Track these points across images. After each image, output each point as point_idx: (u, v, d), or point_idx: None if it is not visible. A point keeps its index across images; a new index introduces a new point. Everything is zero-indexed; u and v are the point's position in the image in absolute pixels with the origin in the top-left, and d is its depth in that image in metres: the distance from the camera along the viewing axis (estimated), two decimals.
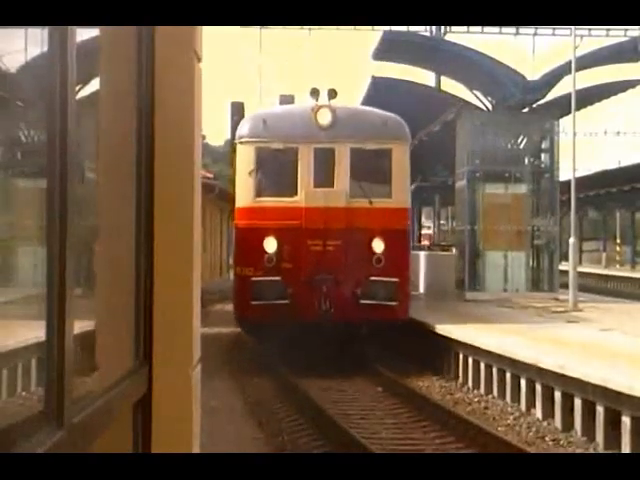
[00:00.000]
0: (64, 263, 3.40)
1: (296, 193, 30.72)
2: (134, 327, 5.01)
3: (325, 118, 30.53)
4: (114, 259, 4.89)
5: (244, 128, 32.18)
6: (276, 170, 31.19)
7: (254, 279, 29.81)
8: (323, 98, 31.57)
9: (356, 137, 30.71)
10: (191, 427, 5.36)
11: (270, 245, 30.15)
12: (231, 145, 43.85)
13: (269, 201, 30.77)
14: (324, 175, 30.44)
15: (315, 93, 31.53)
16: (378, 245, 30.33)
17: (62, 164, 3.46)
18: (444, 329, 32.38)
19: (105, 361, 4.61)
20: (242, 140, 31.67)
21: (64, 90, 3.47)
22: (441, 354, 32.78)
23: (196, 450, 5.41)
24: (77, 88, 3.67)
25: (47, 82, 3.43)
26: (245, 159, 31.15)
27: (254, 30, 61.56)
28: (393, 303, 30.23)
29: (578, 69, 45.16)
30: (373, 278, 30.03)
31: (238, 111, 42.38)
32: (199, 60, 5.65)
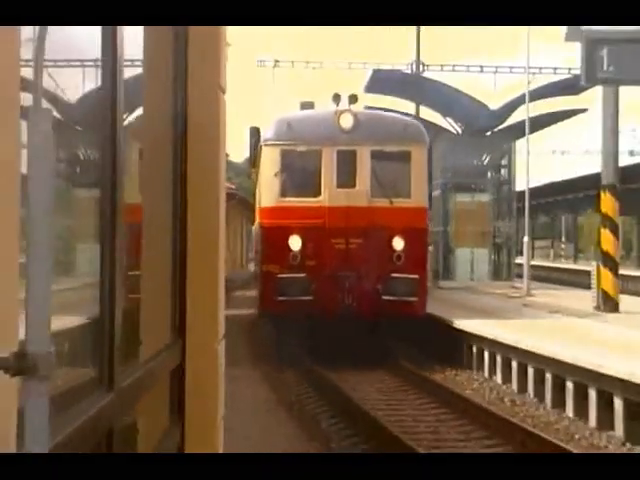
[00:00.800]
0: (114, 257, 3.40)
1: (320, 193, 26.68)
2: (170, 309, 5.00)
3: (347, 121, 26.71)
4: (155, 254, 4.87)
5: (270, 131, 28.16)
6: (300, 171, 27.05)
7: (280, 276, 25.90)
8: (344, 103, 27.90)
9: (376, 140, 26.75)
10: (217, 391, 5.34)
11: (295, 243, 26.25)
12: (252, 155, 43.09)
13: (293, 201, 26.65)
14: (346, 176, 26.54)
15: (337, 98, 27.85)
16: (398, 243, 26.43)
17: (112, 178, 3.45)
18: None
19: (147, 336, 4.59)
20: (268, 142, 27.64)
21: (114, 118, 3.47)
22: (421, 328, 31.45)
23: (221, 411, 5.40)
24: (124, 116, 3.66)
25: (101, 112, 3.43)
26: (270, 161, 27.26)
27: (269, 64, 59.65)
28: (414, 299, 26.47)
29: (531, 100, 46.37)
30: (395, 275, 26.24)
31: (255, 134, 41.34)
32: (223, 92, 5.63)
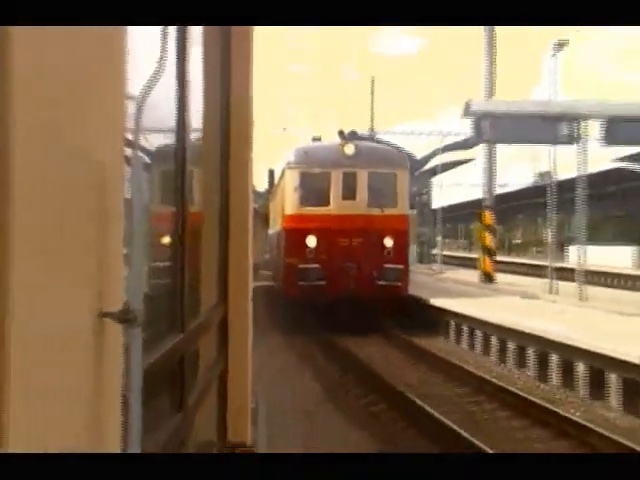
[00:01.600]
0: (184, 247, 3.36)
1: (329, 204, 24.96)
2: (218, 282, 4.98)
3: (350, 150, 25.12)
4: (209, 245, 4.84)
5: (291, 157, 26.24)
6: (314, 187, 24.96)
7: (300, 266, 24.06)
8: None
9: (372, 164, 25.12)
10: (247, 334, 5.34)
11: (311, 241, 24.47)
12: (269, 186, 43.74)
13: (309, 210, 24.77)
14: (349, 191, 24.87)
15: (341, 133, 26.36)
16: (388, 241, 24.67)
17: (181, 193, 3.39)
18: None
19: (205, 299, 4.59)
20: (290, 166, 25.79)
21: (182, 154, 3.41)
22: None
23: (250, 346, 5.39)
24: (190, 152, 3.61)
25: (173, 153, 3.36)
26: (292, 180, 25.26)
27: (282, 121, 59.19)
28: (399, 283, 24.65)
29: (442, 152, 47.38)
30: (386, 265, 24.43)
31: (271, 174, 43.10)
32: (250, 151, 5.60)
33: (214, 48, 4.77)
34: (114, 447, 1.73)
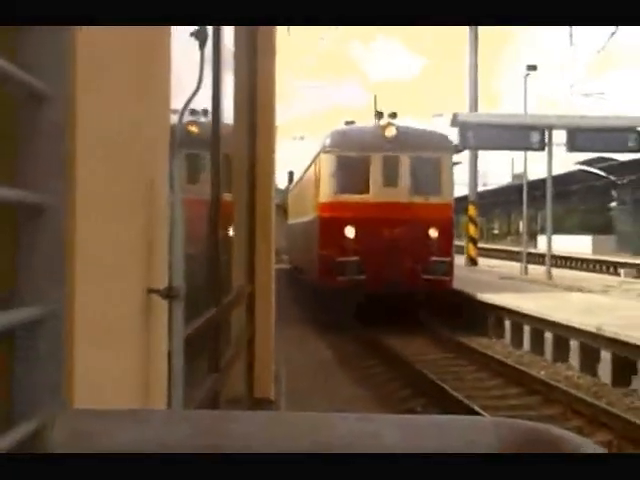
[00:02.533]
0: (218, 237, 3.34)
1: (368, 191, 19.03)
2: (247, 264, 4.97)
3: (391, 133, 19.14)
4: (239, 232, 4.83)
5: (327, 140, 19.94)
6: (353, 173, 19.09)
7: (339, 259, 18.26)
8: (385, 119, 20.31)
9: (415, 148, 19.15)
10: (271, 307, 5.33)
11: (350, 232, 18.66)
12: (288, 184, 41.23)
13: (348, 197, 18.95)
14: (390, 177, 19.05)
15: (379, 115, 20.39)
16: (433, 232, 18.87)
17: (217, 194, 3.37)
18: None
19: (236, 278, 4.58)
20: (326, 150, 19.58)
21: (216, 154, 3.38)
22: None
23: (273, 317, 5.38)
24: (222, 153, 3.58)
25: (209, 148, 3.33)
26: (328, 164, 19.28)
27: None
28: (448, 278, 19.07)
29: None
30: (433, 258, 18.65)
31: (290, 174, 40.42)
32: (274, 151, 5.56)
33: (243, 49, 4.64)
34: (161, 401, 1.73)
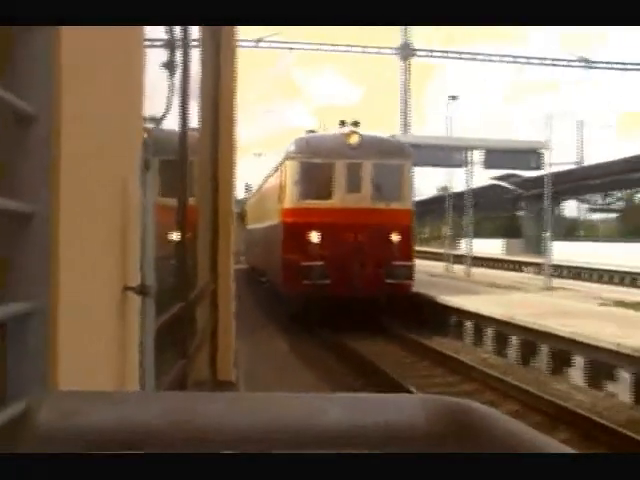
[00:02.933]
0: (185, 240, 3.29)
1: (332, 197, 16.95)
2: (210, 263, 4.90)
3: (354, 140, 17.13)
4: (203, 234, 4.76)
5: (292, 147, 17.78)
6: (316, 179, 17.07)
7: (304, 264, 16.11)
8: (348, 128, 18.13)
9: (377, 155, 17.11)
10: (231, 302, 5.28)
11: (314, 237, 16.55)
12: (245, 196, 41.06)
13: (312, 203, 16.83)
14: (353, 183, 17.01)
15: (343, 123, 18.26)
16: (395, 237, 16.79)
17: (183, 194, 3.32)
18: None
19: (201, 275, 4.51)
20: (290, 156, 17.51)
21: (184, 163, 3.34)
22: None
23: (233, 311, 5.34)
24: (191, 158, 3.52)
25: (178, 155, 3.29)
26: (293, 171, 17.14)
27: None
28: (409, 282, 16.98)
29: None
30: (396, 263, 16.51)
31: (247, 186, 38.77)
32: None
33: (208, 51, 4.49)
34: (134, 385, 1.70)
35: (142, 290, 1.69)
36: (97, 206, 1.40)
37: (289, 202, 17.36)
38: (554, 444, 0.73)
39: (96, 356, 1.39)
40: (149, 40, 2.15)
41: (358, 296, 16.01)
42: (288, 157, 17.68)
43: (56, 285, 1.08)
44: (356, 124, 17.78)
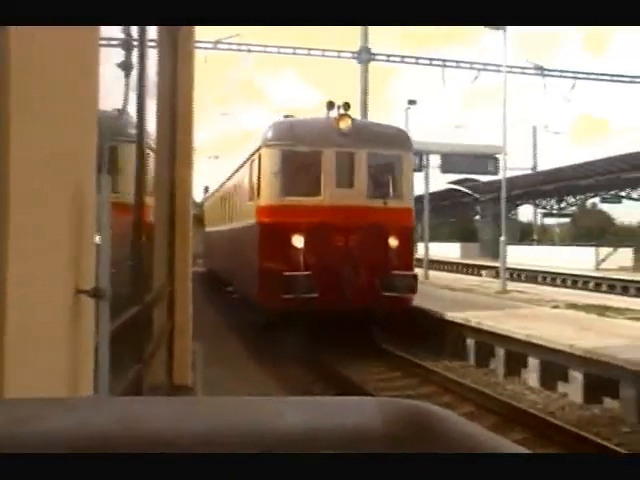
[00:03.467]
0: (140, 237, 3.25)
1: (319, 193, 13.62)
2: (167, 265, 4.85)
3: (346, 125, 13.72)
4: (161, 237, 4.71)
5: (270, 132, 14.01)
6: (301, 171, 13.71)
7: (287, 274, 12.71)
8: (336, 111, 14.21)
9: (372, 143, 13.92)
10: (188, 304, 5.23)
11: (298, 241, 13.19)
12: (204, 196, 39.37)
13: (295, 200, 13.45)
14: (345, 177, 13.80)
15: (331, 105, 14.32)
16: (393, 241, 13.64)
17: (141, 189, 3.28)
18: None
19: (157, 278, 4.46)
20: (269, 143, 13.77)
21: (141, 168, 3.29)
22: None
23: (191, 313, 5.28)
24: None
25: (135, 153, 3.24)
26: (271, 161, 13.61)
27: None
28: (411, 295, 13.62)
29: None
30: (394, 272, 13.31)
31: (205, 188, 36.62)
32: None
33: (166, 52, 4.44)
34: (88, 390, 1.67)
35: (96, 293, 1.65)
36: (49, 207, 1.36)
37: (267, 199, 13.76)
38: (510, 446, 0.74)
39: (46, 362, 1.35)
40: (105, 39, 2.11)
41: (349, 311, 12.97)
42: (266, 144, 13.86)
43: (3, 290, 1.05)
44: (347, 106, 14.20)
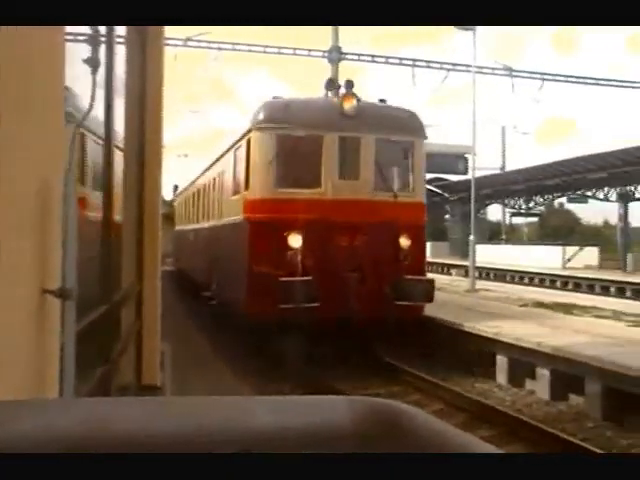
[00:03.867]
0: (110, 237, 3.21)
1: (319, 184, 11.34)
2: (136, 264, 4.81)
3: (351, 106, 11.43)
4: (129, 237, 4.66)
5: (263, 114, 11.52)
6: (298, 159, 11.23)
7: (283, 280, 10.29)
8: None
9: (380, 128, 11.67)
10: (157, 303, 5.20)
11: (295, 241, 10.88)
12: (173, 197, 37.64)
13: (291, 192, 11.05)
14: (349, 166, 11.57)
15: (331, 84, 12.28)
16: (404, 241, 11.57)
17: (109, 187, 3.24)
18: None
19: (125, 277, 4.42)
20: (260, 126, 11.33)
21: (108, 166, 3.26)
22: None
23: (159, 312, 5.24)
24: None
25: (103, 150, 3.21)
26: (263, 146, 11.20)
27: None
28: (424, 303, 11.65)
29: None
30: (407, 277, 11.18)
31: (175, 187, 34.96)
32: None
33: (134, 49, 4.40)
34: (54, 391, 1.65)
35: (62, 293, 1.63)
36: (14, 206, 1.34)
37: (258, 191, 11.50)
38: (478, 443, 0.75)
39: (11, 363, 1.33)
40: (71, 34, 2.08)
41: (354, 322, 10.80)
42: (257, 127, 11.60)
43: None
44: (351, 85, 11.97)
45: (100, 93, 2.71)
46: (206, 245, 16.76)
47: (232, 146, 13.54)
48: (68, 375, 1.72)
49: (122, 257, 4.43)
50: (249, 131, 11.86)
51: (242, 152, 12.29)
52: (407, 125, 12.25)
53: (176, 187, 40.23)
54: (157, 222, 5.22)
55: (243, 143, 12.23)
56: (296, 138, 11.46)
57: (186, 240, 22.09)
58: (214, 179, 16.29)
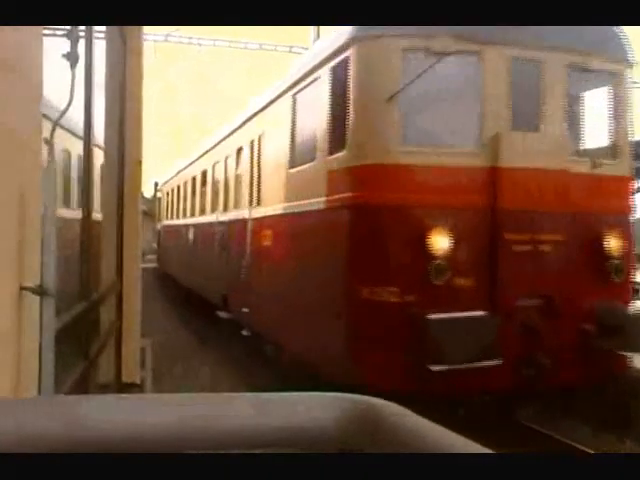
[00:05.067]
0: (89, 234, 3.19)
1: (478, 140, 4.37)
2: (116, 262, 4.78)
3: None
4: (109, 234, 4.62)
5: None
6: (437, 95, 4.28)
7: (435, 318, 3.88)
8: None
9: (575, 46, 4.64)
10: (137, 300, 5.18)
11: (440, 243, 4.15)
12: (155, 195, 37.68)
13: (426, 155, 4.15)
14: (527, 109, 4.54)
15: None
16: (614, 243, 4.85)
17: (88, 199, 3.21)
18: None
19: (105, 275, 4.39)
20: (369, 35, 4.38)
21: (89, 161, 3.22)
22: None
23: (139, 309, 5.21)
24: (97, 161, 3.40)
25: (82, 159, 3.17)
26: (381, 70, 4.24)
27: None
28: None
29: None
30: (622, 304, 4.67)
31: (155, 184, 37.05)
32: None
33: (114, 44, 4.34)
34: (32, 389, 1.63)
35: (41, 290, 1.61)
36: None
37: (371, 151, 5.64)
38: (466, 443, 0.75)
39: None
40: (50, 29, 2.05)
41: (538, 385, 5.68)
42: (364, 37, 5.74)
43: None
44: None
45: (79, 90, 2.67)
46: (222, 247, 10.74)
47: (290, 88, 7.51)
48: (47, 373, 1.70)
49: (102, 257, 4.40)
50: (344, 47, 5.99)
51: (324, 87, 6.44)
52: (612, 45, 6.36)
53: (156, 184, 39.63)
54: (137, 220, 5.20)
55: (325, 72, 6.41)
56: (436, 55, 5.59)
57: (180, 239, 16.31)
58: (238, 150, 10.11)
